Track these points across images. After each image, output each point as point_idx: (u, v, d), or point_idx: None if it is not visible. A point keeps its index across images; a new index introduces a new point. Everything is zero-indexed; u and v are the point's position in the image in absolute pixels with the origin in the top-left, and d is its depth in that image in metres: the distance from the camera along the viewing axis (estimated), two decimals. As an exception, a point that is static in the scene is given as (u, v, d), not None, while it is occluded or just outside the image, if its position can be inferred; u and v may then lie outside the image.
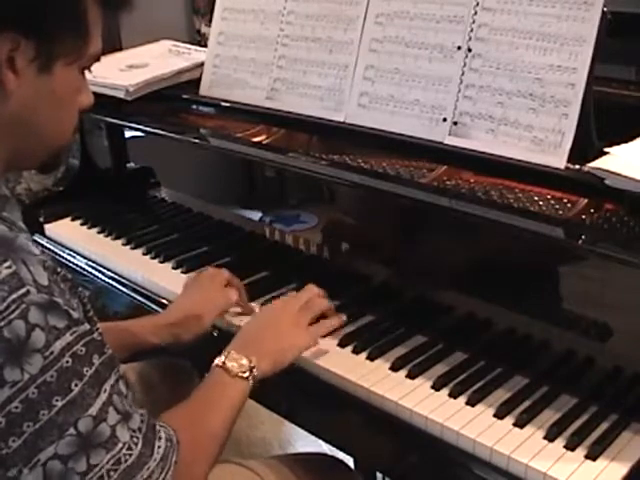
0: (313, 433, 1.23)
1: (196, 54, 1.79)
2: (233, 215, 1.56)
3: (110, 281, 1.53)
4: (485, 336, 1.18)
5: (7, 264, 0.77)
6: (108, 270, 1.55)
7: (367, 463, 1.49)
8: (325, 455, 1.30)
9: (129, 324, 1.25)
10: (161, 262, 1.52)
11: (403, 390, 1.09)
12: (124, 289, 1.50)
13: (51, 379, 0.78)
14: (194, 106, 1.69)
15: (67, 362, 0.79)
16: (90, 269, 1.58)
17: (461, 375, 1.12)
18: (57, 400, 0.78)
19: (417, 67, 1.29)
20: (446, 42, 1.26)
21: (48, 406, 0.77)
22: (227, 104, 1.59)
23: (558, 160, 1.12)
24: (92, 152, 1.83)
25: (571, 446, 0.98)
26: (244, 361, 1.04)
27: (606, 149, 1.06)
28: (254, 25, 1.56)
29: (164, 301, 1.40)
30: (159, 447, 0.87)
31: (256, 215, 1.51)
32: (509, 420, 1.03)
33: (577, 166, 1.10)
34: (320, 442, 1.50)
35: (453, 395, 1.08)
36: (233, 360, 1.04)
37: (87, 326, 0.82)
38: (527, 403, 1.06)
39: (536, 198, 1.12)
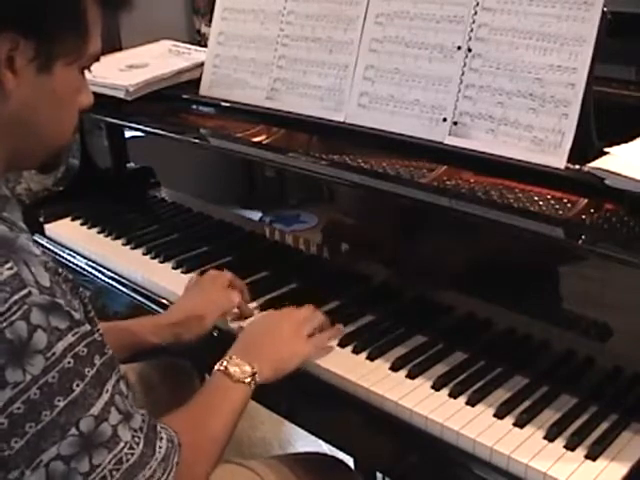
0: (313, 433, 1.23)
1: (196, 54, 1.79)
2: (233, 215, 1.56)
3: (110, 281, 1.53)
4: (485, 336, 1.18)
5: (8, 265, 0.77)
6: (108, 270, 1.55)
7: (367, 463, 1.49)
8: (325, 455, 1.30)
9: (129, 324, 1.25)
10: (161, 262, 1.52)
11: (403, 390, 1.09)
12: (124, 289, 1.50)
13: (53, 380, 0.78)
14: (194, 106, 1.69)
15: (69, 363, 0.79)
16: (90, 269, 1.58)
17: (461, 375, 1.12)
18: (59, 400, 0.78)
19: (417, 67, 1.29)
20: (446, 42, 1.26)
21: (50, 407, 0.77)
22: (227, 104, 1.59)
23: (558, 160, 1.12)
24: (92, 152, 1.83)
25: (571, 446, 0.98)
26: (247, 367, 1.05)
27: (606, 149, 1.06)
28: (254, 25, 1.56)
29: (164, 301, 1.40)
30: (160, 447, 0.87)
31: (256, 215, 1.51)
32: (509, 420, 1.03)
33: (577, 166, 1.10)
34: (320, 442, 1.50)
35: (453, 395, 1.08)
36: (235, 365, 1.05)
37: (88, 327, 0.82)
38: (527, 403, 1.06)
39: (536, 198, 1.12)
